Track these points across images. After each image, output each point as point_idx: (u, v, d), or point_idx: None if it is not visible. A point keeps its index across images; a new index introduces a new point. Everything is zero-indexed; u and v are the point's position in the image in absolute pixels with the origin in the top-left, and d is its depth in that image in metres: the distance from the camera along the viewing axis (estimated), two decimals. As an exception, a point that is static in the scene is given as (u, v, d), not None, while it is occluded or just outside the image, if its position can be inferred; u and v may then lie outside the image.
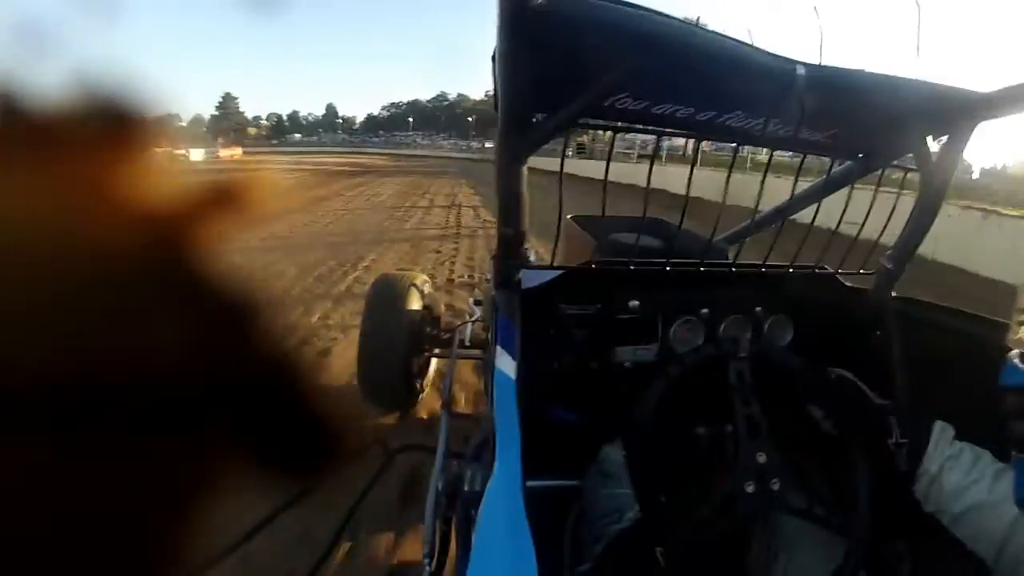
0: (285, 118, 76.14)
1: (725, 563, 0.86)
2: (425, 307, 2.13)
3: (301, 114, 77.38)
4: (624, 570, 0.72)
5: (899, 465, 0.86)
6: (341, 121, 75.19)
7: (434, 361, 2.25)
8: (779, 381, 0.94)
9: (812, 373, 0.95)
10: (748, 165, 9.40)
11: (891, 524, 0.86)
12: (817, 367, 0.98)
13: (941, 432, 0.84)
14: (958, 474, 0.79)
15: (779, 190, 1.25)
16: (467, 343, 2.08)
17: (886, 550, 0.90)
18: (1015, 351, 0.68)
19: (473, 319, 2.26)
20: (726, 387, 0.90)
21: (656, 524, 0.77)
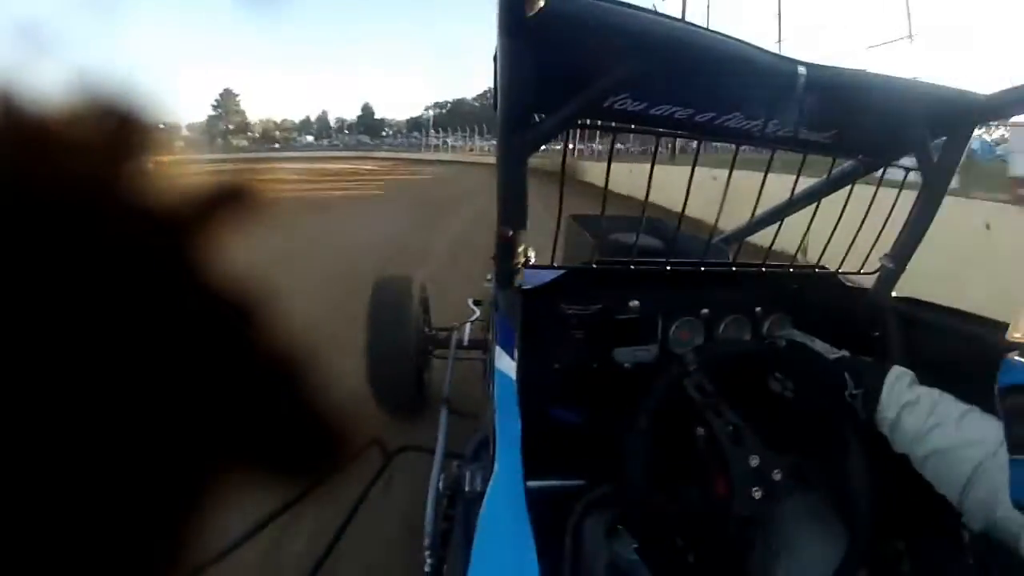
0: (313, 119, 72.09)
1: (726, 562, 0.86)
2: (423, 309, 2.14)
3: (332, 115, 73.24)
4: None
5: (857, 415, 0.86)
6: (378, 122, 71.28)
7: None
8: (735, 371, 0.95)
9: (760, 347, 0.97)
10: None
11: (889, 523, 0.86)
12: (764, 340, 0.99)
13: (898, 378, 0.84)
14: (917, 418, 0.79)
15: (783, 189, 1.25)
16: (465, 343, 2.08)
17: (885, 549, 0.90)
18: (1013, 353, 0.68)
19: (472, 319, 2.26)
20: (692, 404, 0.91)
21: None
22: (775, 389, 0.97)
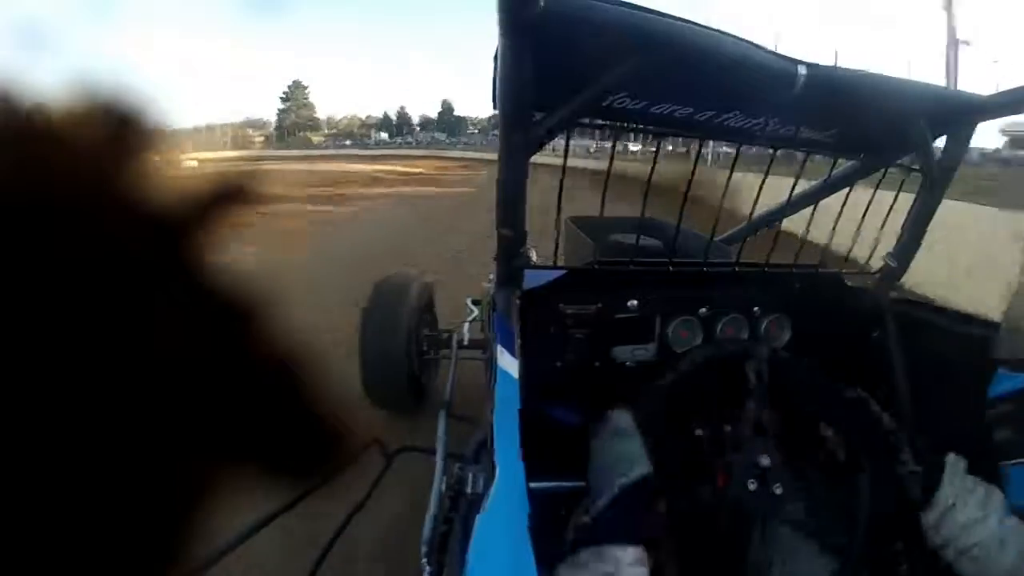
0: (394, 115, 66.39)
1: (723, 568, 0.86)
2: (426, 308, 2.15)
3: (414, 112, 67.59)
4: (628, 523, 0.72)
5: (911, 493, 0.84)
6: (458, 120, 68.07)
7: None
8: (794, 389, 0.94)
9: (830, 389, 0.95)
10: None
11: (887, 539, 0.86)
12: (835, 384, 0.97)
13: (954, 464, 0.83)
14: (972, 508, 0.78)
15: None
16: (465, 343, 2.09)
17: (884, 554, 0.90)
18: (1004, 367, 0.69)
19: (471, 319, 2.26)
20: (739, 386, 0.91)
21: (666, 477, 0.78)
22: (824, 431, 0.94)
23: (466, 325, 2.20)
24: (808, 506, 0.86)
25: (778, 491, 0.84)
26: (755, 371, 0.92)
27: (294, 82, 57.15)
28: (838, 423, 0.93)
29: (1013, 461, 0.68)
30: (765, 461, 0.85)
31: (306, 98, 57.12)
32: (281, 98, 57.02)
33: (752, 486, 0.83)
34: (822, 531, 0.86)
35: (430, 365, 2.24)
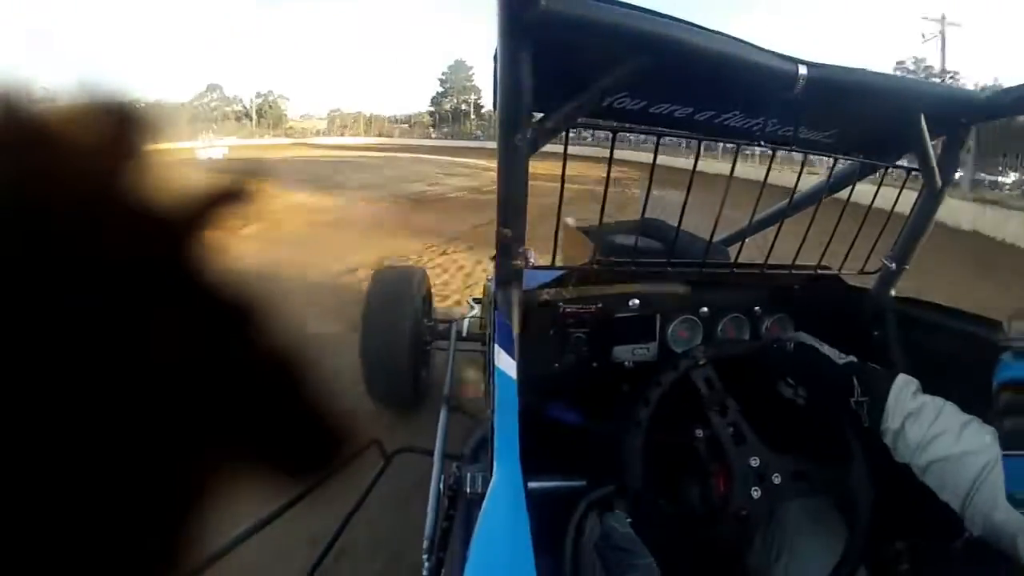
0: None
1: (727, 562, 0.86)
2: (424, 301, 2.16)
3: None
4: None
5: (862, 422, 0.86)
6: None
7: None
8: (743, 370, 0.95)
9: (769, 347, 0.97)
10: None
11: (889, 524, 0.87)
12: (773, 341, 1.00)
13: (903, 387, 0.84)
14: (921, 427, 0.79)
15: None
16: (464, 335, 2.09)
17: (885, 550, 0.90)
18: (1007, 352, 0.68)
19: (471, 315, 2.27)
20: (699, 399, 0.91)
21: (648, 522, 0.78)
22: (782, 392, 0.97)
23: (466, 321, 2.21)
24: (807, 475, 0.87)
25: (777, 480, 0.84)
26: (703, 379, 0.93)
27: (456, 62, 47.89)
28: (789, 374, 0.95)
29: (1015, 452, 0.69)
30: (755, 462, 0.85)
31: (469, 79, 47.71)
32: (440, 80, 48.30)
33: (756, 494, 0.83)
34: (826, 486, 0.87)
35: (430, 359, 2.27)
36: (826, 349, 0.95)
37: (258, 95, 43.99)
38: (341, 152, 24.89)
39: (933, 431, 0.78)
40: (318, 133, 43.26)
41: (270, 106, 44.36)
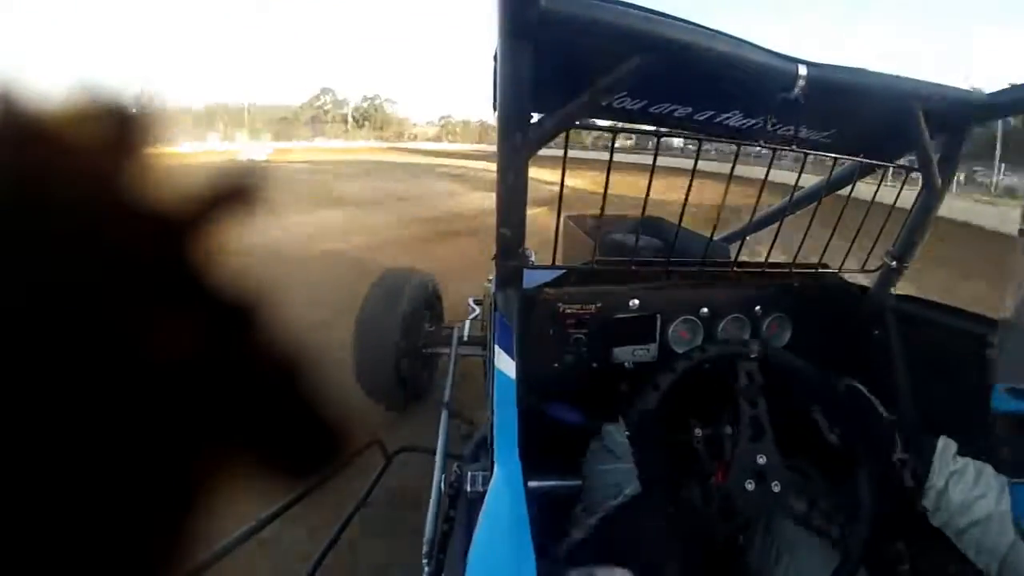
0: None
1: (726, 564, 0.86)
2: (428, 304, 2.17)
3: None
4: (618, 543, 0.72)
5: (904, 479, 0.86)
6: None
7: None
8: (787, 385, 0.94)
9: (822, 380, 0.95)
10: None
11: (890, 529, 0.87)
12: (828, 375, 0.98)
13: (944, 447, 0.85)
14: (964, 488, 0.80)
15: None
16: (465, 339, 2.09)
17: (885, 552, 0.90)
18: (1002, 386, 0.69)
19: (472, 317, 2.27)
20: (732, 387, 0.91)
21: (655, 497, 0.78)
22: (820, 422, 0.95)
23: (467, 324, 2.20)
24: (808, 501, 0.87)
25: (776, 488, 0.84)
26: (746, 371, 0.93)
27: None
28: (832, 415, 0.94)
29: (1018, 480, 0.70)
30: (762, 460, 0.85)
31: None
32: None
33: (750, 486, 0.83)
34: (822, 522, 0.87)
35: (431, 363, 2.29)
36: (874, 401, 0.96)
37: (364, 99, 43.73)
38: (416, 157, 24.57)
39: (976, 492, 0.79)
40: (423, 138, 43.95)
41: (375, 109, 43.98)
